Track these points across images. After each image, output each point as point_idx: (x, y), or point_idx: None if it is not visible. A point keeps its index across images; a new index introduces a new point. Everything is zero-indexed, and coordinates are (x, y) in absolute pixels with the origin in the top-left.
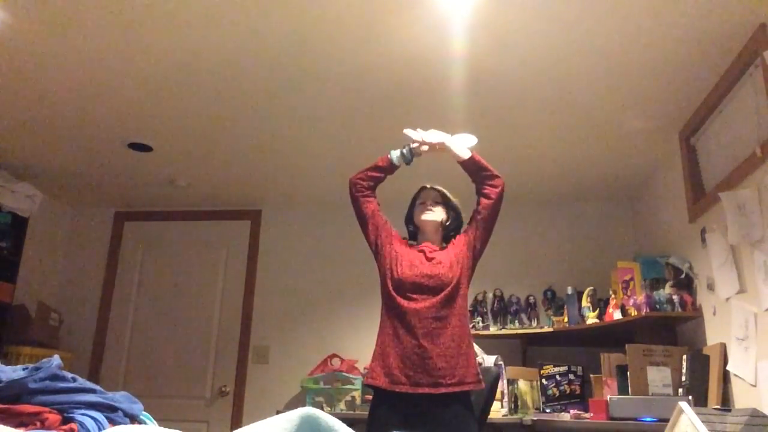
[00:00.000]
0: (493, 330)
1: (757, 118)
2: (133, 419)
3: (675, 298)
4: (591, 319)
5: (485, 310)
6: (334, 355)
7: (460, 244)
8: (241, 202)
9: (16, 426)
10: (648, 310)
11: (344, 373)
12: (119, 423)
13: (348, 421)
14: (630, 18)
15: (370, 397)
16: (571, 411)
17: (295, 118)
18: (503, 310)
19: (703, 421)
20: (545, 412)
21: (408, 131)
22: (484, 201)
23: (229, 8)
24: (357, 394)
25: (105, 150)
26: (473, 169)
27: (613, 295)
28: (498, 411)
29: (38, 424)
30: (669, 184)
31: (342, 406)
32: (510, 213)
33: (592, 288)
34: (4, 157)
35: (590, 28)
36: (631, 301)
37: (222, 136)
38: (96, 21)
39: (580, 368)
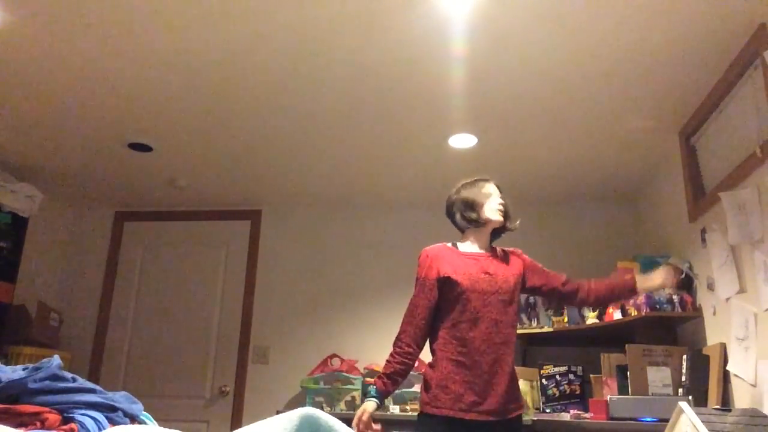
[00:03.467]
0: None
1: (757, 118)
2: (133, 419)
3: (675, 298)
4: (591, 319)
5: None
6: (334, 355)
7: (518, 267)
8: (241, 202)
9: (16, 426)
10: (648, 310)
11: (344, 373)
12: (119, 423)
13: (348, 421)
14: (630, 18)
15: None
16: (571, 411)
17: (295, 118)
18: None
19: (703, 421)
20: (545, 412)
21: None
22: (571, 299)
23: (229, 8)
24: (357, 394)
25: (105, 150)
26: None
27: None
28: None
29: (38, 424)
30: (669, 184)
31: (342, 406)
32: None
33: None
34: (4, 157)
35: (590, 29)
36: (631, 301)
37: (222, 136)
38: (96, 21)
39: (580, 368)
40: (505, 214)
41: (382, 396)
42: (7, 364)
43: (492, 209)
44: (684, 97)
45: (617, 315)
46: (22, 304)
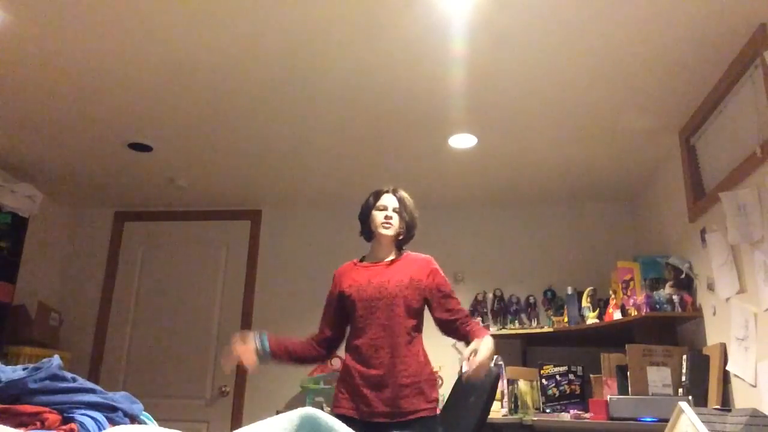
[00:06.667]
0: (493, 330)
1: (757, 118)
2: (133, 419)
3: (675, 298)
4: (591, 319)
5: (485, 310)
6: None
7: (418, 274)
8: (241, 202)
9: (16, 426)
10: (648, 310)
11: None
12: (119, 423)
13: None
14: (630, 18)
15: None
16: (571, 411)
17: (295, 118)
18: (503, 310)
19: (703, 421)
20: (545, 412)
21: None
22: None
23: (229, 8)
24: None
25: (105, 150)
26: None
27: (613, 295)
28: (498, 411)
29: (38, 424)
30: (669, 184)
31: None
32: (510, 213)
33: (592, 288)
34: (4, 157)
35: (590, 28)
36: (631, 301)
37: (222, 136)
38: (96, 21)
39: (580, 368)
40: (404, 226)
41: (268, 349)
42: (7, 364)
43: (378, 223)
44: (684, 97)
45: (617, 315)
46: (22, 304)
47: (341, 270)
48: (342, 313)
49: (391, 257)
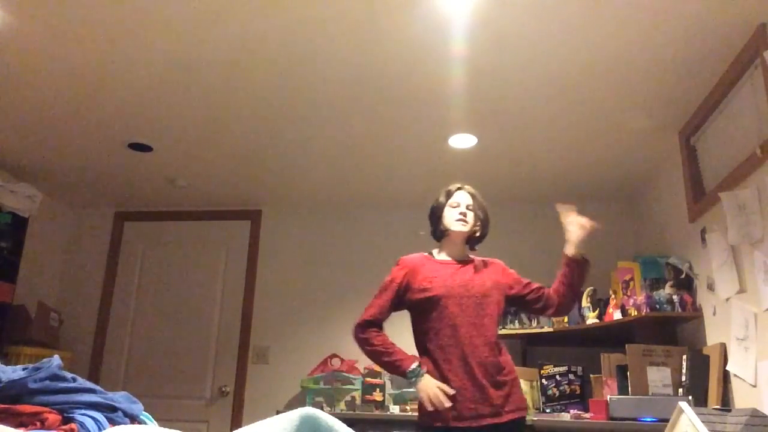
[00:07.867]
0: None
1: (757, 118)
2: (133, 419)
3: (675, 298)
4: (591, 319)
5: None
6: (334, 355)
7: (498, 275)
8: (241, 202)
9: (16, 426)
10: (648, 310)
11: (344, 373)
12: (119, 423)
13: (348, 421)
14: (630, 18)
15: (371, 397)
16: (571, 411)
17: (295, 118)
18: (503, 310)
19: (703, 421)
20: (545, 412)
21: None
22: (538, 308)
23: (229, 8)
24: (357, 394)
25: (105, 150)
26: (572, 278)
27: (613, 295)
28: None
29: (38, 424)
30: (669, 184)
31: (342, 406)
32: (510, 213)
33: (592, 288)
34: (4, 157)
35: (590, 28)
36: (631, 301)
37: (222, 136)
38: (96, 21)
39: (580, 368)
40: (479, 223)
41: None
42: (7, 364)
43: (452, 220)
44: (684, 97)
45: (617, 315)
46: (22, 304)
47: (414, 262)
48: (393, 305)
49: (467, 257)
